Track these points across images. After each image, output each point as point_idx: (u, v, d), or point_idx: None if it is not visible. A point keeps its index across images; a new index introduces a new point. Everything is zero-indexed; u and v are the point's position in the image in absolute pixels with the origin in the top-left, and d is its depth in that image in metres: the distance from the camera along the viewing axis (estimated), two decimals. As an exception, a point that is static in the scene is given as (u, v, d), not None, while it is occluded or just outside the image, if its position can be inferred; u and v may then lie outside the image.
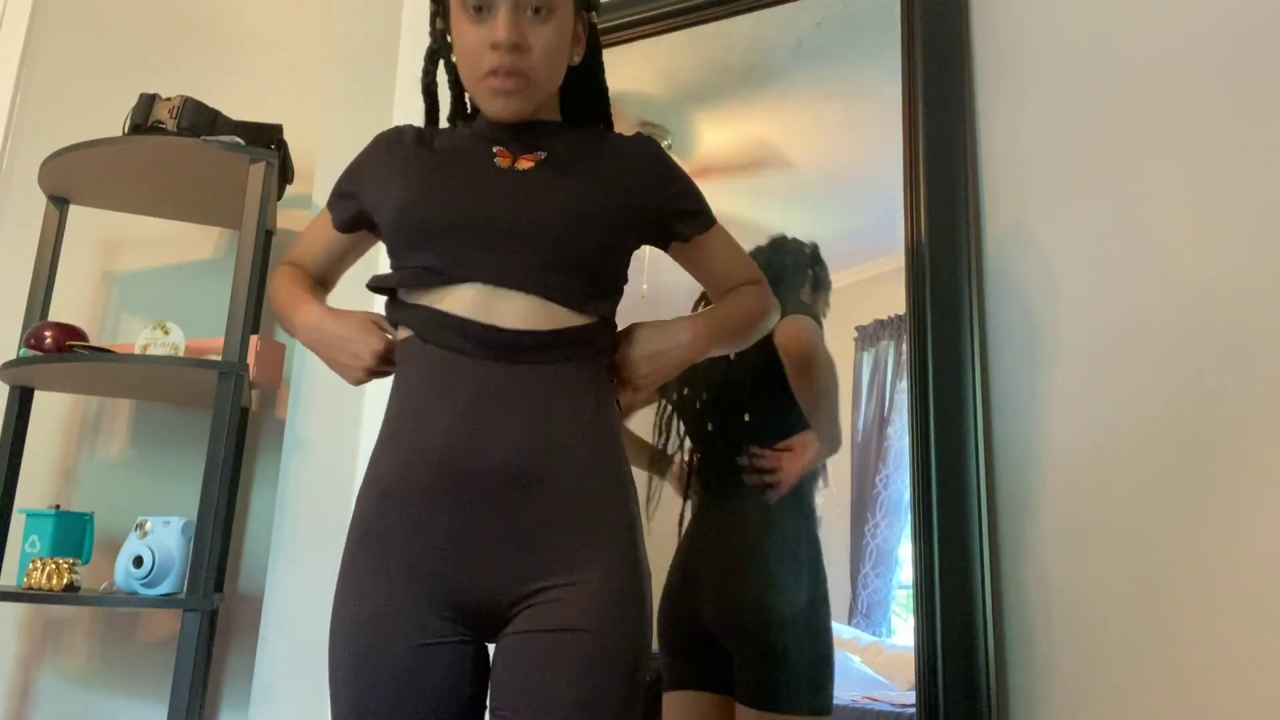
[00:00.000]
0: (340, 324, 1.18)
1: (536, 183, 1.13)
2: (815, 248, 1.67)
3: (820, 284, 1.66)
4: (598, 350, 1.14)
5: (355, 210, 1.25)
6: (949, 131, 1.56)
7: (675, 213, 1.24)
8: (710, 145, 1.83)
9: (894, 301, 1.55)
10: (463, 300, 1.09)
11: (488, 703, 1.08)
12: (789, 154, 1.74)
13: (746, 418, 1.64)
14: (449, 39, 1.21)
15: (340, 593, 1.09)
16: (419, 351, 1.10)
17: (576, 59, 1.21)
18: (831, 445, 1.57)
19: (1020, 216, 1.51)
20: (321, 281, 1.32)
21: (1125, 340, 1.38)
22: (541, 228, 1.09)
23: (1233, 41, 1.36)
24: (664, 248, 1.28)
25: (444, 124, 1.31)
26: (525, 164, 1.15)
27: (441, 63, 1.28)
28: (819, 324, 1.63)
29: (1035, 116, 1.52)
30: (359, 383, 1.19)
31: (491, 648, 1.10)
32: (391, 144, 1.24)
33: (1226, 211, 1.33)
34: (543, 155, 1.16)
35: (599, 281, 1.14)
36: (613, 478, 1.10)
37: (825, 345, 1.61)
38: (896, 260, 1.56)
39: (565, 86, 1.25)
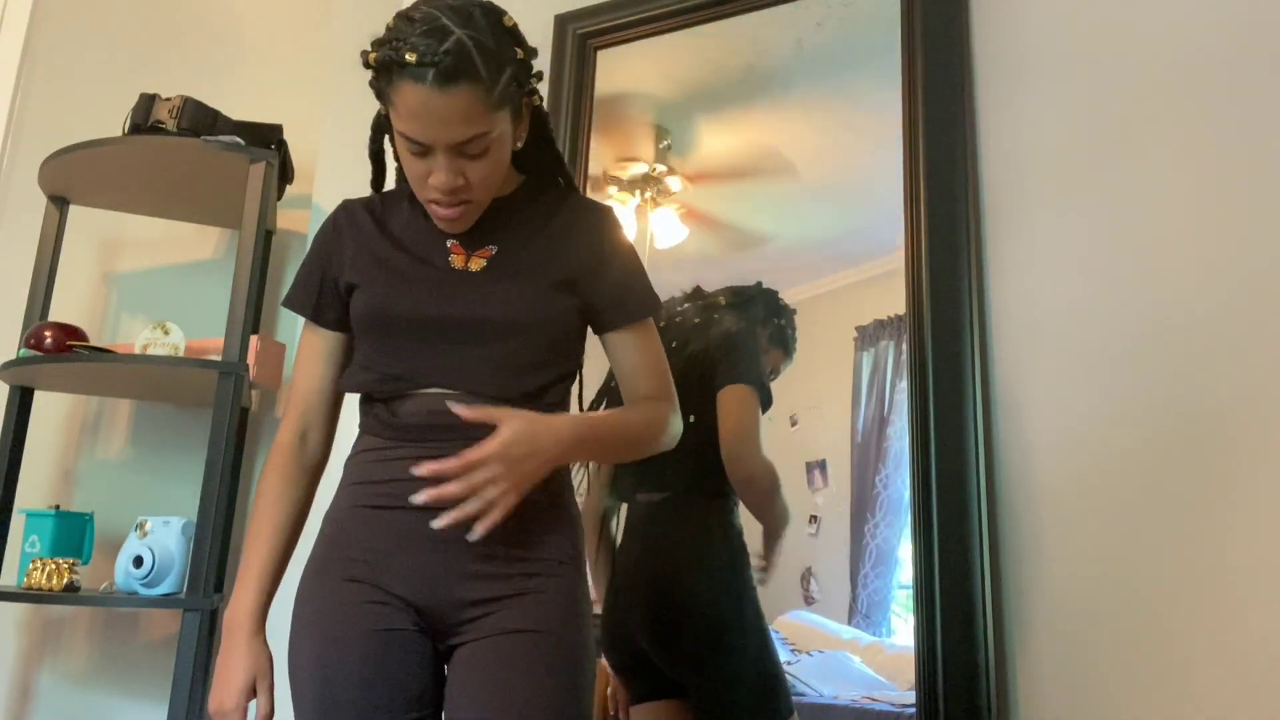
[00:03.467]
0: (220, 666, 1.16)
1: (487, 285, 1.17)
2: (792, 313, 1.65)
3: (779, 339, 1.64)
4: None
5: (331, 291, 1.24)
6: (949, 131, 1.55)
7: (608, 296, 1.22)
8: (710, 145, 1.83)
9: (894, 301, 1.55)
10: (424, 401, 1.15)
11: (444, 715, 1.11)
12: (789, 154, 1.73)
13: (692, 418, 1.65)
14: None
15: (301, 599, 1.16)
16: (393, 432, 1.17)
17: (520, 144, 1.20)
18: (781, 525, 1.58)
19: (1020, 217, 1.51)
20: (340, 397, 1.29)
21: (1125, 340, 1.38)
22: (492, 333, 1.14)
23: (1232, 42, 1.36)
24: (597, 332, 1.25)
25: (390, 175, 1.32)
26: (477, 263, 1.19)
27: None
28: (764, 394, 1.61)
29: (1035, 116, 1.52)
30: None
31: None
32: (351, 224, 1.24)
33: (1226, 211, 1.33)
34: (494, 250, 1.20)
35: (551, 372, 1.18)
36: (562, 516, 1.18)
37: (762, 447, 1.60)
38: (896, 260, 1.56)
39: (518, 153, 1.25)
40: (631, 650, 1.59)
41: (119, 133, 2.03)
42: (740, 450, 1.58)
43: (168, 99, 2.01)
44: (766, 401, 1.61)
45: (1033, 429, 1.43)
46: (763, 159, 1.76)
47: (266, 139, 2.06)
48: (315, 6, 2.55)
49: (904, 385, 1.51)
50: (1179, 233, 1.36)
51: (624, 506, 1.70)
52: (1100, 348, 1.40)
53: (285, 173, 2.17)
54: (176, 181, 2.11)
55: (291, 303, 1.26)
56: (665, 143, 1.87)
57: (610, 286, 1.22)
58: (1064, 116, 1.50)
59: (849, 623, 1.51)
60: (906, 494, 1.47)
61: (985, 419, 1.46)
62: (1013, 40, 1.57)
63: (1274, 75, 1.32)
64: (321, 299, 1.24)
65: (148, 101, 2.02)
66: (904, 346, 1.53)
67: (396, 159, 1.24)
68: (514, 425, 1.04)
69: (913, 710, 1.39)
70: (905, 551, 1.47)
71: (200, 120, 1.99)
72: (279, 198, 2.23)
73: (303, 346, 1.27)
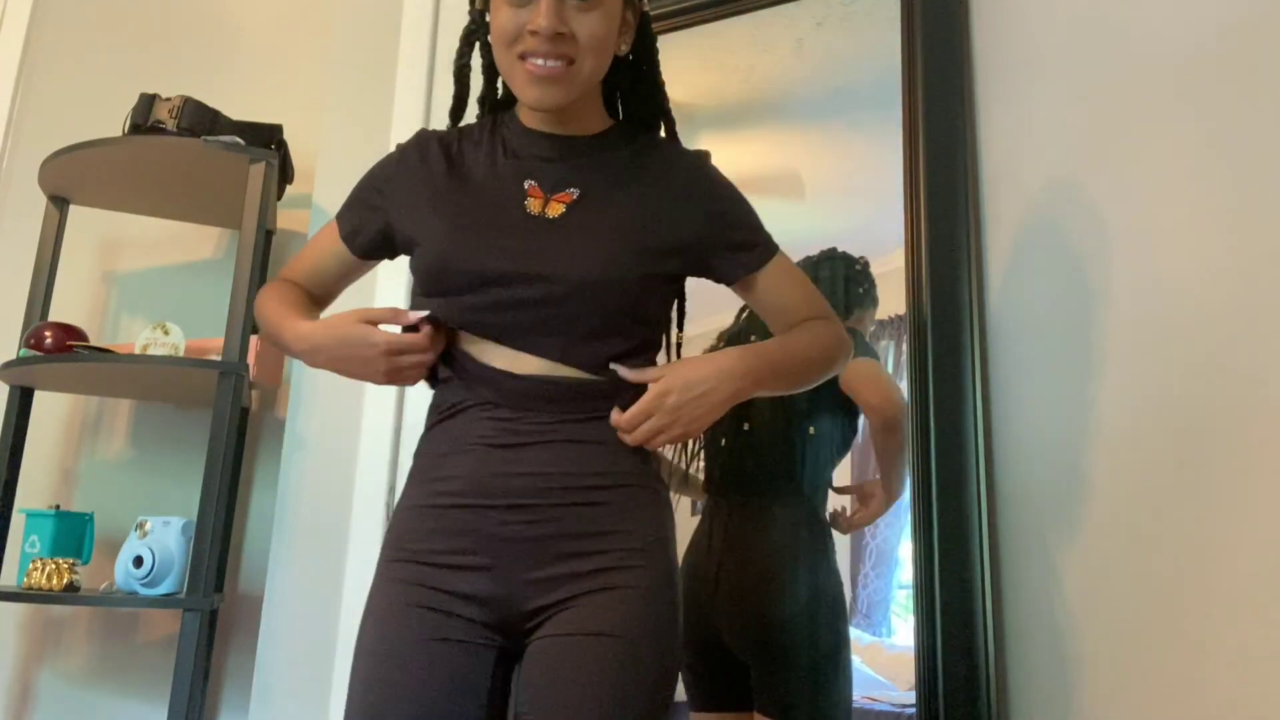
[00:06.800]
0: (331, 332, 1.09)
1: (562, 237, 1.08)
2: (865, 263, 1.61)
3: (867, 301, 1.61)
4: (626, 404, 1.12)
5: (379, 227, 1.17)
6: (949, 131, 1.56)
7: (725, 247, 1.15)
8: (710, 145, 1.83)
9: (894, 301, 1.55)
10: (491, 356, 1.08)
11: (512, 708, 1.06)
12: (789, 154, 1.74)
13: (745, 427, 1.62)
14: (487, 19, 1.13)
15: (368, 603, 1.09)
16: (457, 398, 1.11)
17: (624, 49, 1.14)
18: (895, 496, 1.53)
19: (1020, 217, 1.51)
20: (319, 300, 1.23)
21: (1125, 339, 1.38)
22: (560, 292, 1.06)
23: (1234, 41, 1.36)
24: (726, 284, 1.18)
25: (471, 109, 1.25)
26: (556, 208, 1.10)
27: (478, 45, 1.20)
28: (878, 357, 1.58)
29: (1035, 116, 1.52)
30: (393, 383, 1.10)
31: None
32: (421, 160, 1.16)
33: (1226, 211, 1.33)
34: (575, 195, 1.11)
35: (624, 343, 1.10)
36: (647, 494, 1.10)
37: (899, 391, 1.54)
38: (896, 260, 1.56)
39: (614, 81, 1.18)
40: (703, 646, 1.56)
41: (119, 133, 2.03)
42: (895, 396, 1.52)
43: (168, 99, 2.01)
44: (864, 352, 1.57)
45: (1033, 429, 1.43)
46: (763, 159, 1.76)
47: (266, 139, 2.06)
48: (315, 6, 2.55)
49: (904, 385, 1.51)
50: (1180, 232, 1.36)
51: (705, 505, 1.67)
52: (1100, 347, 1.40)
53: (285, 173, 2.17)
54: (176, 181, 2.11)
55: (340, 219, 1.20)
56: (665, 143, 1.87)
57: (728, 238, 1.16)
58: (1064, 116, 1.50)
59: (849, 623, 1.51)
60: (906, 494, 1.47)
61: (985, 419, 1.46)
62: (1013, 40, 1.57)
63: (1275, 73, 1.32)
64: (363, 211, 1.18)
65: (148, 101, 2.02)
66: (904, 346, 1.53)
67: (485, 68, 1.19)
68: (667, 378, 1.06)
69: (913, 710, 1.39)
70: (905, 551, 1.47)
71: (200, 120, 1.99)
72: (279, 198, 2.23)
73: (324, 236, 1.21)
